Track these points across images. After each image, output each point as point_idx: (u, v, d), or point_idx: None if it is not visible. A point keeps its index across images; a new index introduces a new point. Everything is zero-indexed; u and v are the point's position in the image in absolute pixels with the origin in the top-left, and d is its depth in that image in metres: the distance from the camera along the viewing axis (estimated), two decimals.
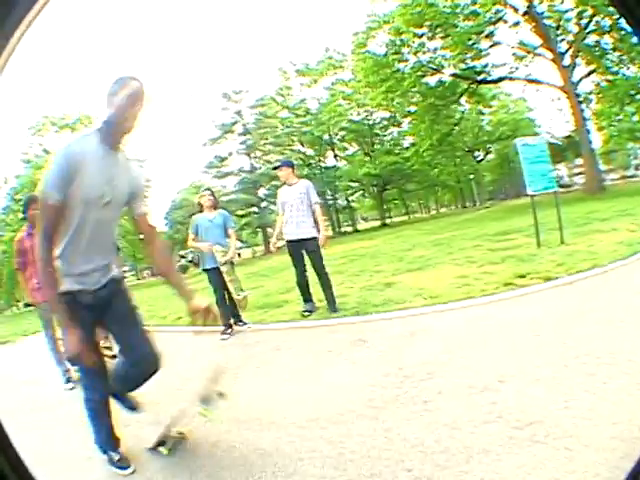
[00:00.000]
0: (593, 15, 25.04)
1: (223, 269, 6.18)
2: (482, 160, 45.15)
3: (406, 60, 29.30)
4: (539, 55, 28.78)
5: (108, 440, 2.90)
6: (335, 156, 43.70)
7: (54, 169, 2.36)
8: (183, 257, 10.27)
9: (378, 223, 42.18)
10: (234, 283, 6.31)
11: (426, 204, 58.00)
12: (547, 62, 28.29)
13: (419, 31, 27.85)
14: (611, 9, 23.22)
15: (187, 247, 7.11)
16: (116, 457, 2.87)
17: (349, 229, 44.23)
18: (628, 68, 25.91)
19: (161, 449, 2.94)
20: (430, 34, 28.06)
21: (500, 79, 30.88)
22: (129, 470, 2.82)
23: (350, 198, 45.79)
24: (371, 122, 41.77)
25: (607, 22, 25.12)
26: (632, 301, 4.22)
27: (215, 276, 6.22)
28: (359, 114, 41.85)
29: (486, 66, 29.49)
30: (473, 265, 7.66)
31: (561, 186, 44.06)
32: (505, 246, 9.12)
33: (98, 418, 2.85)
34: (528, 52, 29.29)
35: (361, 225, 47.57)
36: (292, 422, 3.00)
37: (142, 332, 2.86)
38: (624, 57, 25.44)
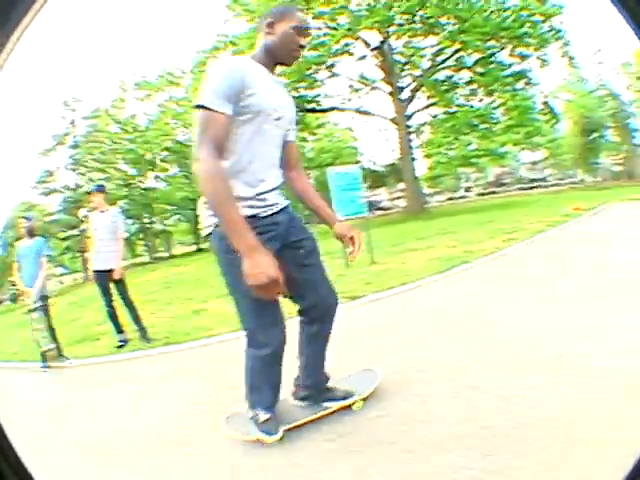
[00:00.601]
0: (458, 50, 26.87)
1: (31, 316, 5.88)
2: None
3: None
4: (376, 88, 30.08)
5: (269, 398, 2.56)
6: (156, 177, 41.51)
7: (223, 79, 2.12)
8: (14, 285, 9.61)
9: (194, 248, 40.82)
10: (40, 332, 5.91)
11: None
12: (383, 94, 29.73)
13: None
14: (488, 44, 25.87)
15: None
16: (265, 417, 2.53)
17: (166, 254, 42.59)
18: (481, 100, 28.52)
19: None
20: None
21: (330, 109, 31.59)
22: (275, 436, 2.49)
23: (167, 222, 43.89)
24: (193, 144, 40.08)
25: (472, 58, 27.43)
26: (442, 312, 4.69)
27: None
28: (185, 135, 39.62)
29: (318, 96, 29.83)
30: None
31: (381, 209, 46.80)
32: None
33: (266, 373, 2.51)
34: (366, 85, 30.42)
35: (177, 249, 45.77)
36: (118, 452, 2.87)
37: (323, 272, 2.63)
38: (479, 89, 27.91)
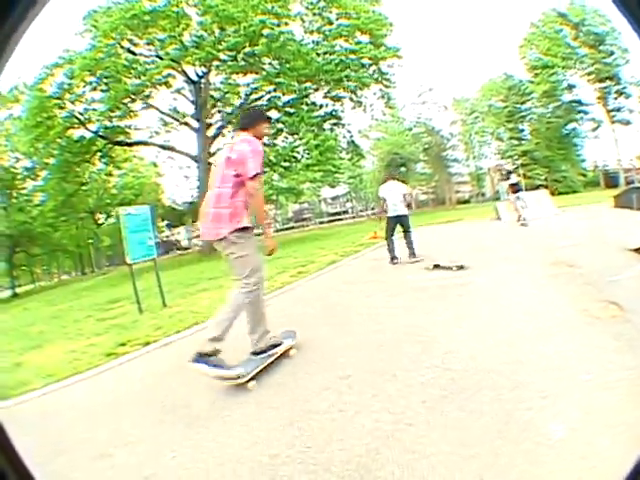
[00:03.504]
0: (273, 90, 27.50)
1: None
2: (103, 224, 43.41)
3: (64, 107, 26.51)
4: (185, 124, 29.93)
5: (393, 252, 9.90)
6: None
7: (380, 190, 10.26)
8: None
9: (10, 293, 36.10)
10: None
11: (49, 270, 53.04)
12: (189, 131, 29.71)
13: (90, 79, 25.80)
14: (304, 85, 26.55)
15: None
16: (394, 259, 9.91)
17: None
18: (286, 138, 29.39)
19: None
20: (95, 84, 26.27)
21: (137, 143, 30.82)
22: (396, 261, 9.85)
23: None
24: (17, 171, 35.40)
25: (286, 98, 28.09)
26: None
27: None
28: (10, 159, 35.70)
29: (129, 127, 28.97)
30: (82, 338, 7.60)
31: (181, 248, 46.07)
32: (112, 315, 9.33)
33: (391, 244, 9.86)
34: (176, 119, 30.09)
35: None
36: None
37: (410, 230, 9.97)
38: (285, 128, 28.61)
